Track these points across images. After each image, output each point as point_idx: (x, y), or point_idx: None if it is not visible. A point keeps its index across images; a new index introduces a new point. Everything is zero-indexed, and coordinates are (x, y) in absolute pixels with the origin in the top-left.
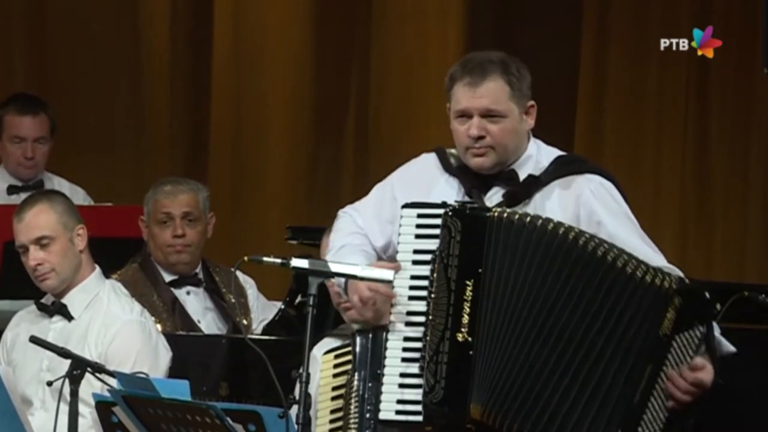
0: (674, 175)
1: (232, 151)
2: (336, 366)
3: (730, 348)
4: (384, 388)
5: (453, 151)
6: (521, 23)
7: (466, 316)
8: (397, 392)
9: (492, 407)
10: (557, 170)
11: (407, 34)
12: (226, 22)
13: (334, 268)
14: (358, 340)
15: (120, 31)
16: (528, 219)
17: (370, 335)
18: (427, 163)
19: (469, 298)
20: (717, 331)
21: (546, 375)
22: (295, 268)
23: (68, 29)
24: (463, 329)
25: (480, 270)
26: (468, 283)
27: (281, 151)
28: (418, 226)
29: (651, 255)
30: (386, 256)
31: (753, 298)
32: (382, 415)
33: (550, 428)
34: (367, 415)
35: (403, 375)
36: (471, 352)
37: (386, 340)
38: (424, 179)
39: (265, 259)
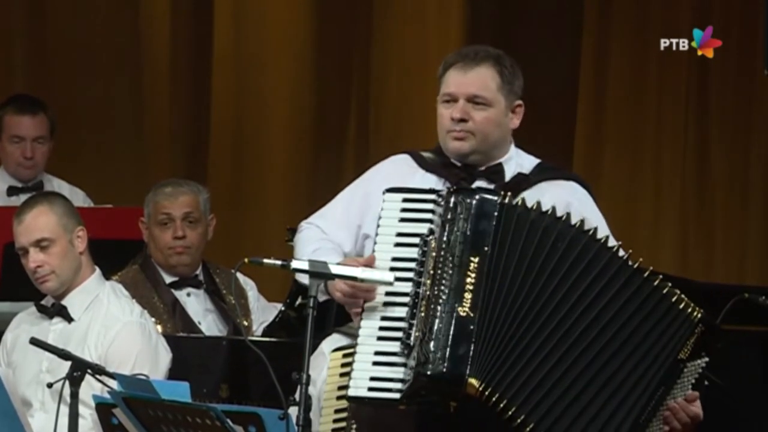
0: (674, 175)
1: (232, 153)
2: (344, 366)
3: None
4: (356, 366)
5: (425, 153)
6: (522, 24)
7: (468, 293)
8: (371, 370)
9: (490, 383)
10: (543, 172)
11: (408, 35)
12: (226, 22)
13: (334, 270)
14: None
15: (120, 31)
16: (538, 206)
17: None
18: (398, 162)
19: (473, 274)
20: None
21: (550, 360)
22: (295, 269)
23: (68, 29)
24: (465, 304)
25: (486, 248)
26: (473, 259)
27: (281, 152)
28: (403, 209)
29: None
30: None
31: (753, 300)
32: (352, 392)
33: (550, 415)
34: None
35: (378, 353)
36: (472, 327)
37: (360, 319)
38: (398, 176)
39: (266, 260)
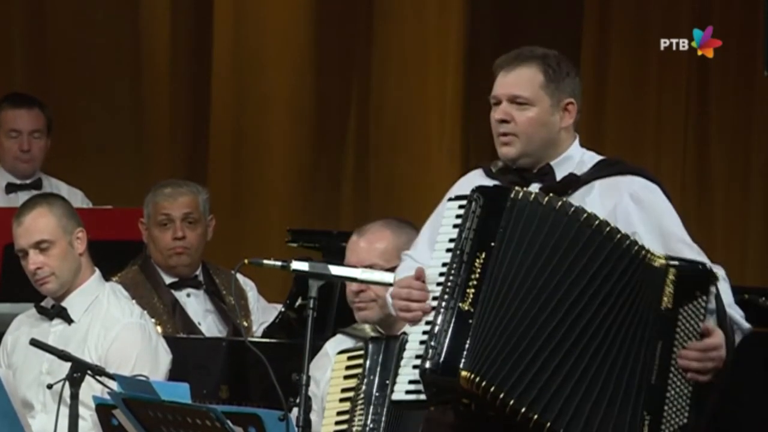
0: (674, 175)
1: (232, 154)
2: (348, 368)
3: (746, 325)
4: (400, 370)
5: (497, 162)
6: (522, 24)
7: (471, 288)
8: (410, 373)
9: (479, 373)
10: (598, 171)
11: (408, 36)
12: (226, 24)
13: (334, 271)
14: (371, 347)
15: (120, 33)
16: (549, 200)
17: (383, 344)
18: (470, 176)
19: (478, 269)
20: (738, 314)
21: (545, 350)
22: (295, 270)
23: (68, 31)
24: (467, 299)
25: (492, 243)
26: (479, 255)
27: (281, 153)
28: (458, 216)
29: (692, 255)
30: None
31: (753, 301)
32: (394, 396)
33: (552, 407)
34: (371, 425)
35: (417, 357)
36: (470, 321)
37: (381, 339)
38: (468, 189)
39: (266, 261)
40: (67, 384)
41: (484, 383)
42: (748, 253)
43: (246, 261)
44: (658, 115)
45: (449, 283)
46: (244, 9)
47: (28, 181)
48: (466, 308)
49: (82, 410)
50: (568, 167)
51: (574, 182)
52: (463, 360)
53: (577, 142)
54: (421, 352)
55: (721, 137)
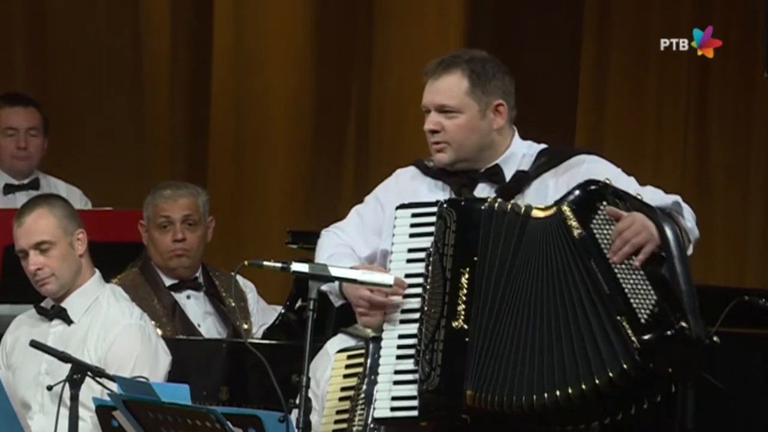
0: (674, 176)
1: (232, 155)
2: (348, 367)
3: (670, 199)
4: (379, 387)
5: (429, 162)
6: (521, 24)
7: (461, 304)
8: (392, 389)
9: (482, 388)
10: (545, 162)
11: (408, 37)
12: (226, 25)
13: (334, 272)
14: (371, 347)
15: (120, 34)
16: (521, 209)
17: None
18: (406, 174)
19: (465, 285)
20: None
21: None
22: (295, 272)
23: (68, 32)
24: (459, 317)
25: (475, 258)
26: (463, 271)
27: (282, 155)
28: (413, 225)
29: (662, 195)
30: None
31: (753, 303)
32: (377, 414)
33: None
34: (372, 425)
35: (396, 372)
36: (467, 339)
37: (381, 339)
38: (409, 188)
39: (265, 263)
40: (66, 385)
41: (489, 397)
42: (748, 254)
43: (246, 262)
44: (658, 116)
45: (435, 301)
46: (244, 9)
47: (25, 182)
48: (460, 326)
49: (82, 412)
50: (513, 164)
51: (524, 180)
52: (466, 381)
53: (516, 136)
54: (398, 366)
55: (721, 137)
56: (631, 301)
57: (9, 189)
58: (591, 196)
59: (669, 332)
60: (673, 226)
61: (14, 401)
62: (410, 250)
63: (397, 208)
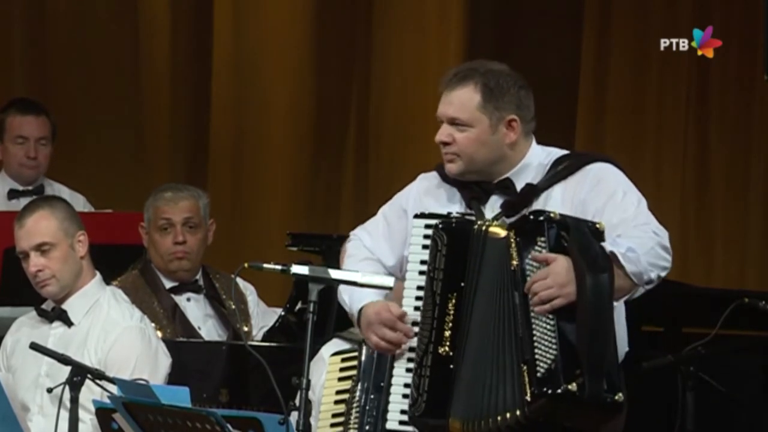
0: (674, 176)
1: (232, 158)
2: (342, 370)
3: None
4: (391, 398)
5: None
6: (522, 25)
7: (447, 330)
8: (402, 402)
9: (470, 419)
10: (555, 175)
11: (407, 40)
12: (226, 29)
13: (334, 275)
14: (365, 350)
15: (120, 38)
16: (508, 232)
17: None
18: (430, 178)
19: (452, 311)
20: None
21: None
22: (295, 274)
23: (68, 31)
24: (445, 343)
25: (462, 284)
26: (451, 296)
27: (282, 158)
28: (425, 236)
29: (640, 232)
30: (400, 273)
31: (753, 305)
32: (389, 425)
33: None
34: (367, 427)
35: (407, 385)
36: (452, 366)
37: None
38: (431, 192)
39: (266, 265)
40: (66, 387)
41: (474, 425)
42: (747, 256)
43: (246, 265)
44: (658, 116)
45: (425, 325)
46: (244, 10)
47: (30, 188)
48: (445, 352)
49: (82, 414)
50: (526, 176)
51: (532, 193)
52: (450, 409)
53: (534, 146)
54: (408, 380)
55: (721, 137)
56: (536, 350)
57: (13, 194)
58: (534, 228)
59: (558, 391)
60: (599, 278)
61: (14, 403)
62: (422, 262)
63: (414, 217)
